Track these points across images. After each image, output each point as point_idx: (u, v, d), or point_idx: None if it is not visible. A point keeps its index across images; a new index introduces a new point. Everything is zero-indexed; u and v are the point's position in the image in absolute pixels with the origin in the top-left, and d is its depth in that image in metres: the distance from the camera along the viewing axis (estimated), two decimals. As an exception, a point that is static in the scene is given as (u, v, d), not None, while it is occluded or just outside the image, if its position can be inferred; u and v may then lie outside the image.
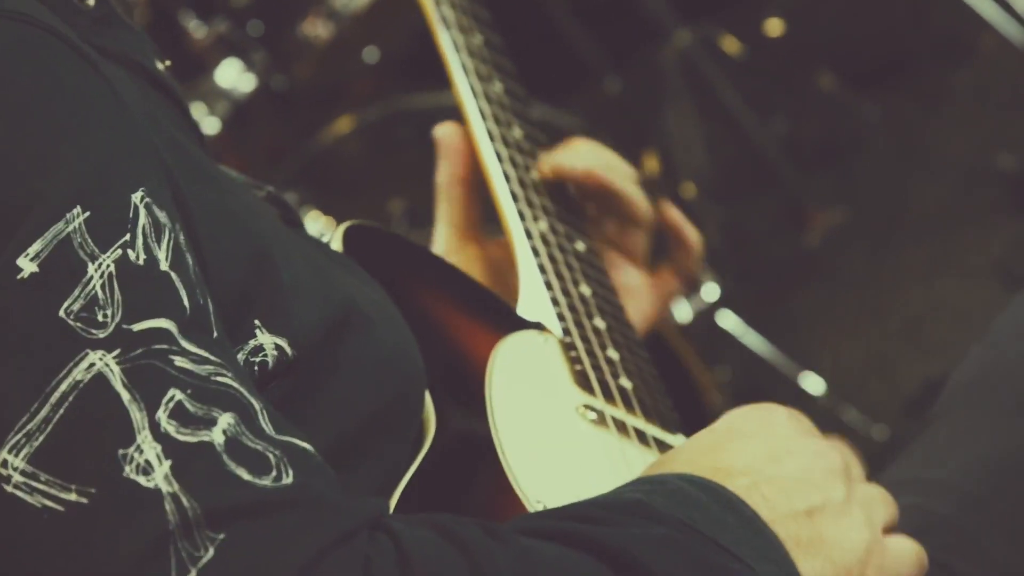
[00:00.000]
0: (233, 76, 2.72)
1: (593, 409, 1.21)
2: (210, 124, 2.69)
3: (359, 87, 3.04)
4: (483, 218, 1.43)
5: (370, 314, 1.10)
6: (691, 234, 1.43)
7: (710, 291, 2.83)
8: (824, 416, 2.87)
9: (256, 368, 1.01)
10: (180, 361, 0.90)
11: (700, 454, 1.06)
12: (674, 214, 1.43)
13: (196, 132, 1.12)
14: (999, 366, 1.36)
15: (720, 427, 1.09)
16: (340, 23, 2.75)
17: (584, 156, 1.40)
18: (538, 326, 1.27)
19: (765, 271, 3.35)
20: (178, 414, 0.88)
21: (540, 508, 1.09)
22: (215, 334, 0.93)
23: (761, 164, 3.32)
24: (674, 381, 2.52)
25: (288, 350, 1.02)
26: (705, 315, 2.84)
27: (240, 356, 1.00)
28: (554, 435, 1.18)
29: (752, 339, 2.90)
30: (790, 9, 3.68)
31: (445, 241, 1.42)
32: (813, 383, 2.88)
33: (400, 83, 3.06)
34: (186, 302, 0.92)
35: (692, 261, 1.43)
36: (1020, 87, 3.47)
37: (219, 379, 0.90)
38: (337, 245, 1.22)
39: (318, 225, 2.69)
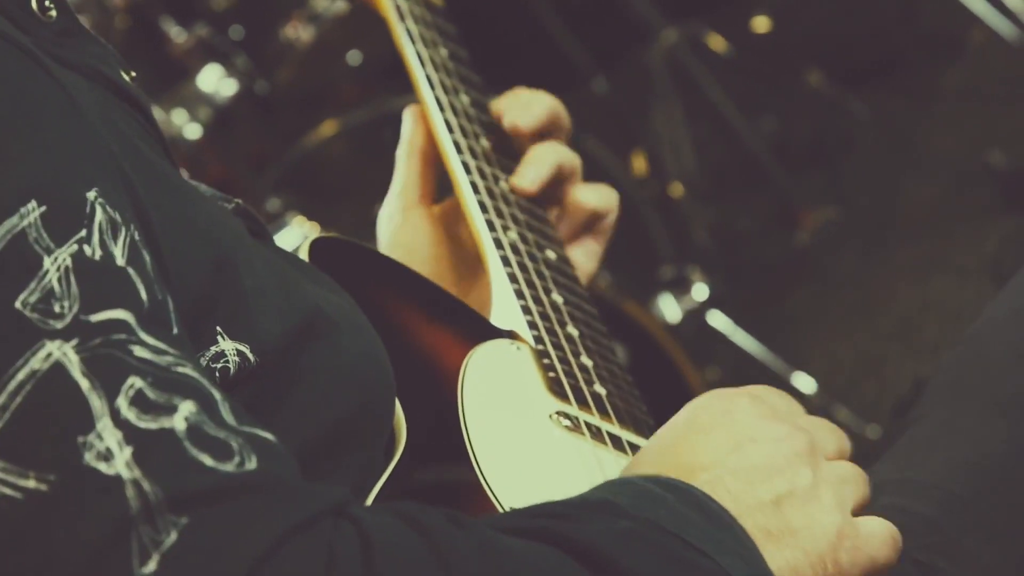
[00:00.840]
0: (215, 81, 2.71)
1: (567, 416, 1.20)
2: (192, 130, 2.68)
3: (343, 90, 3.03)
4: (435, 191, 1.45)
5: (336, 321, 1.09)
6: (589, 198, 1.43)
7: (700, 291, 2.83)
8: (815, 415, 2.86)
9: (218, 374, 1.00)
10: (139, 351, 0.89)
11: (662, 453, 1.05)
12: (574, 204, 1.43)
13: (161, 143, 1.12)
14: (980, 365, 1.35)
15: (680, 422, 1.07)
16: (322, 26, 2.74)
17: (534, 109, 1.43)
18: (510, 334, 1.27)
19: (755, 271, 3.34)
20: (138, 401, 0.88)
21: None
22: (175, 330, 0.93)
23: (750, 163, 3.32)
24: (663, 382, 2.52)
25: (250, 356, 1.02)
26: (695, 315, 2.83)
27: (202, 362, 1.00)
28: (528, 442, 1.17)
29: (742, 339, 2.89)
30: (777, 7, 3.68)
31: (391, 203, 1.43)
32: (804, 383, 2.87)
33: (384, 85, 3.05)
34: (144, 295, 0.92)
35: (601, 209, 1.43)
36: (1011, 84, 3.46)
37: (179, 369, 0.90)
38: (304, 257, 1.22)
39: (302, 230, 2.67)
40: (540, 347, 1.26)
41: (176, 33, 2.71)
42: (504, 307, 1.30)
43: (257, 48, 2.77)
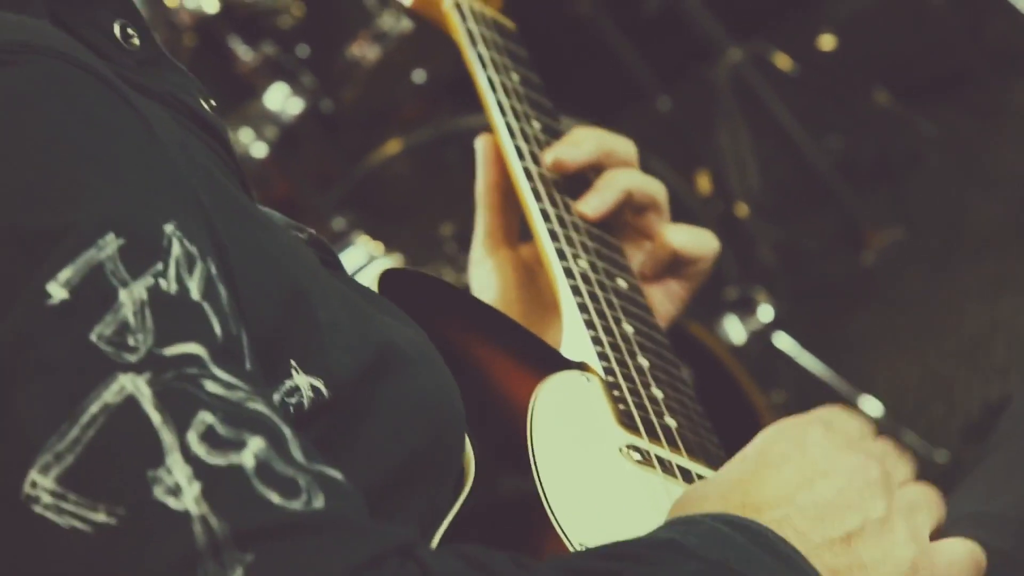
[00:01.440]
0: (281, 100, 2.71)
1: (637, 449, 1.19)
2: (258, 148, 2.69)
3: (407, 109, 3.03)
4: (518, 227, 1.43)
5: (410, 355, 1.09)
6: (698, 248, 1.40)
7: (765, 312, 2.81)
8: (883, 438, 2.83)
9: (292, 409, 1.00)
10: (211, 386, 0.89)
11: (731, 487, 1.04)
12: (673, 237, 1.40)
13: (238, 172, 1.12)
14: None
15: (750, 454, 1.06)
16: (387, 45, 2.74)
17: (583, 145, 1.40)
18: (581, 366, 1.26)
19: (821, 291, 3.32)
20: (208, 437, 0.88)
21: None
22: (248, 366, 0.93)
23: (815, 182, 3.30)
24: (728, 404, 2.51)
25: (324, 391, 1.02)
26: (760, 336, 2.81)
27: (276, 397, 0.99)
28: (597, 477, 1.16)
29: (808, 361, 2.87)
30: (843, 24, 3.65)
31: (480, 246, 1.43)
32: (871, 405, 2.85)
33: (448, 104, 3.05)
34: (218, 330, 0.92)
35: (693, 254, 1.40)
36: (1080, 101, 3.43)
37: (250, 405, 0.90)
38: (374, 289, 1.21)
39: (367, 249, 2.68)
40: (610, 378, 1.24)
41: (243, 52, 2.72)
42: (574, 337, 1.29)
43: (323, 67, 2.78)
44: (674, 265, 1.41)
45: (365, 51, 2.77)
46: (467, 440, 1.12)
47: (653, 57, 3.30)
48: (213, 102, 1.14)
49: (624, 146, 1.42)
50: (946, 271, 3.22)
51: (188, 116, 1.07)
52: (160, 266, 0.91)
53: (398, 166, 2.84)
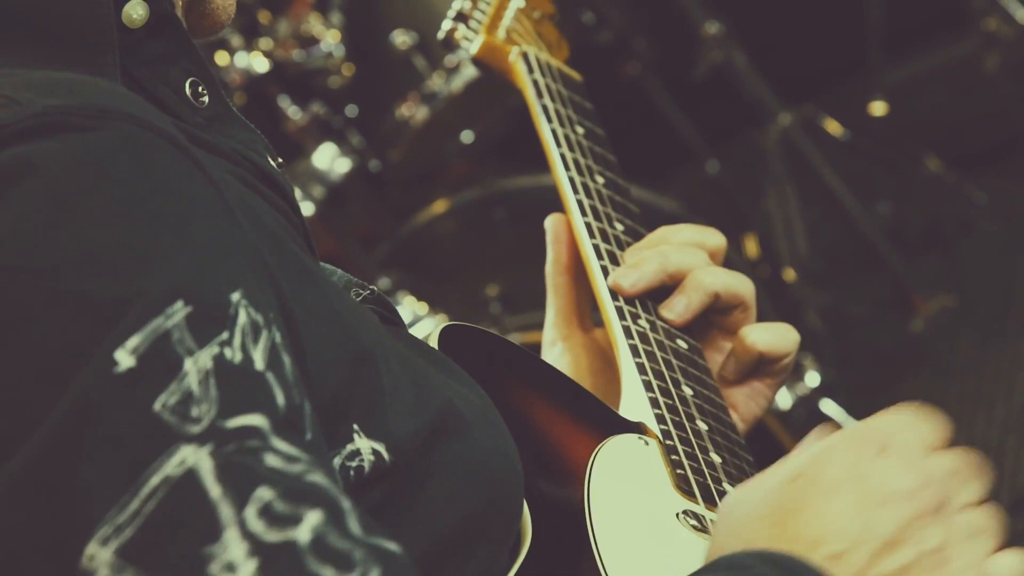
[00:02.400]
0: (329, 159, 2.73)
1: (694, 515, 1.18)
2: (305, 207, 2.70)
3: (454, 169, 3.04)
4: (590, 305, 1.42)
5: (468, 417, 1.08)
6: (781, 345, 1.36)
7: (812, 378, 2.79)
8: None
9: (352, 473, 1.00)
10: (271, 459, 0.89)
11: (781, 516, 1.01)
12: (752, 341, 1.36)
13: (303, 231, 1.13)
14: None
15: (804, 474, 1.02)
16: (436, 106, 2.75)
17: (644, 267, 1.35)
18: (639, 428, 1.25)
19: (869, 358, 3.29)
20: (266, 513, 0.87)
21: None
22: (309, 435, 0.93)
23: (865, 248, 3.28)
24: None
25: (386, 455, 1.02)
26: (807, 402, 2.79)
27: (337, 460, 1.00)
28: (654, 543, 1.15)
29: (855, 428, 2.84)
30: (894, 91, 3.64)
31: (552, 328, 1.42)
32: (918, 474, 2.81)
33: (495, 165, 3.06)
34: (280, 401, 0.91)
35: (776, 352, 1.36)
36: None
37: (309, 478, 0.89)
38: (435, 343, 1.21)
39: (412, 309, 2.67)
40: (668, 442, 1.23)
41: (292, 111, 2.73)
42: (633, 399, 1.28)
43: (371, 126, 2.79)
44: (759, 365, 1.36)
45: (414, 111, 2.78)
46: (524, 503, 1.11)
47: (703, 120, 3.30)
48: (280, 159, 1.14)
49: (713, 239, 1.38)
50: (996, 340, 3.19)
51: (255, 174, 1.08)
52: (226, 335, 0.91)
53: (444, 226, 2.85)
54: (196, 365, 0.90)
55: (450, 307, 2.64)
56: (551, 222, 1.41)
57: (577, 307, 1.41)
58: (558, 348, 1.41)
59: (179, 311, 0.90)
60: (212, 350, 0.90)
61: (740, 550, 1.02)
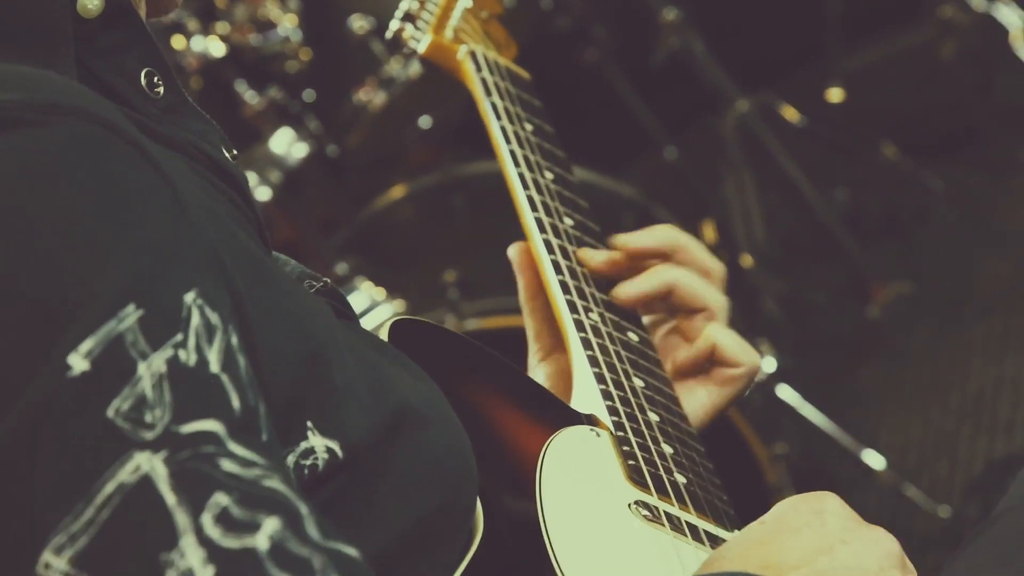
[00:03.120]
0: (286, 144, 2.72)
1: (646, 506, 1.19)
2: (262, 192, 2.69)
3: (413, 155, 3.03)
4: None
5: (425, 414, 1.08)
6: (727, 346, 1.37)
7: (768, 364, 2.80)
8: (885, 493, 2.82)
9: (307, 471, 0.99)
10: (227, 465, 0.88)
11: (752, 549, 1.05)
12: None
13: (257, 225, 1.12)
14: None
15: (770, 519, 1.07)
16: (394, 91, 2.75)
17: (650, 237, 1.40)
18: (590, 419, 1.25)
19: (825, 344, 3.31)
20: (223, 519, 0.87)
21: None
22: (264, 436, 0.92)
23: (822, 235, 3.29)
24: (730, 455, 2.49)
25: (340, 453, 1.01)
26: (763, 388, 2.80)
27: (291, 459, 0.99)
28: (606, 534, 1.15)
29: (811, 413, 2.86)
30: (851, 78, 3.65)
31: (532, 352, 1.43)
32: (874, 460, 2.83)
33: (454, 151, 3.05)
34: (236, 404, 0.91)
35: (725, 350, 1.37)
36: (1089, 159, 3.42)
37: (266, 483, 0.89)
38: (385, 335, 1.21)
39: (369, 295, 2.67)
40: (620, 433, 1.24)
41: (249, 96, 2.72)
42: (585, 391, 1.28)
43: (329, 111, 2.78)
44: (711, 363, 1.38)
45: (371, 96, 2.77)
46: (477, 499, 1.11)
47: (661, 107, 3.30)
48: (235, 151, 1.13)
49: (693, 247, 1.41)
50: (952, 327, 3.21)
51: (209, 167, 1.07)
52: (180, 337, 0.90)
53: (402, 211, 2.84)
54: (150, 369, 0.89)
55: (408, 293, 2.63)
56: (514, 252, 1.42)
57: (553, 331, 1.41)
58: (538, 369, 1.42)
59: (132, 314, 0.89)
60: (166, 353, 0.89)
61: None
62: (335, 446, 1.00)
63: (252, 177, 2.70)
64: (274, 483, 0.89)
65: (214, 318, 0.92)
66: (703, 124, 3.44)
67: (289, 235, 2.73)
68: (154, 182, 0.95)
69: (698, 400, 1.38)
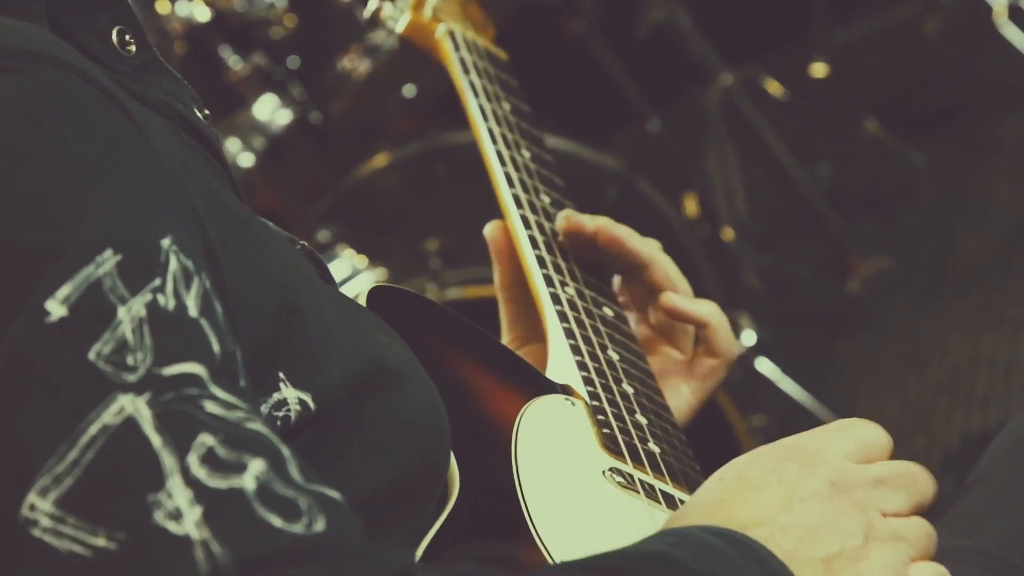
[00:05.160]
0: (270, 110, 2.72)
1: (620, 473, 1.20)
2: (245, 158, 2.69)
3: (396, 124, 3.03)
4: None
5: (402, 372, 1.09)
6: (701, 311, 1.39)
7: (748, 336, 2.80)
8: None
9: (279, 422, 1.00)
10: (211, 407, 0.89)
11: (713, 508, 1.04)
12: (672, 302, 1.40)
13: (230, 182, 1.12)
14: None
15: (729, 476, 1.06)
16: (378, 59, 2.74)
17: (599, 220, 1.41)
18: (565, 389, 1.26)
19: (805, 318, 3.32)
20: (209, 459, 0.87)
21: None
22: (242, 382, 0.93)
23: (804, 209, 3.30)
24: (708, 427, 2.50)
25: (312, 405, 1.01)
26: (742, 361, 2.81)
27: (264, 409, 0.99)
28: (581, 498, 1.16)
29: (790, 386, 2.87)
30: (836, 53, 3.66)
31: (507, 340, 1.44)
32: (851, 434, 2.84)
33: (438, 120, 3.05)
34: (216, 348, 0.91)
35: (716, 336, 1.39)
36: (1070, 137, 3.43)
37: (249, 425, 0.89)
38: (363, 302, 1.21)
39: (351, 262, 2.67)
40: (595, 403, 1.25)
41: (233, 61, 2.72)
42: (560, 362, 1.29)
43: (313, 78, 2.78)
44: (674, 327, 1.41)
45: (356, 64, 2.77)
46: (452, 458, 1.12)
47: (645, 79, 3.30)
48: (207, 111, 1.13)
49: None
50: (931, 303, 3.22)
51: (181, 125, 1.07)
52: (158, 281, 0.90)
53: (385, 180, 2.84)
54: (129, 313, 0.89)
55: (390, 261, 2.64)
56: (491, 233, 1.42)
57: (528, 317, 1.42)
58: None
59: (109, 259, 0.90)
60: (145, 297, 0.90)
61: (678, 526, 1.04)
62: (307, 398, 1.01)
63: (235, 143, 2.70)
64: (256, 426, 0.89)
65: (190, 264, 0.92)
66: (687, 97, 3.44)
67: (272, 201, 2.73)
68: (128, 130, 0.95)
69: (682, 397, 1.40)
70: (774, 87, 3.32)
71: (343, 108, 2.79)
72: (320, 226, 2.72)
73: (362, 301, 1.21)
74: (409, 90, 2.89)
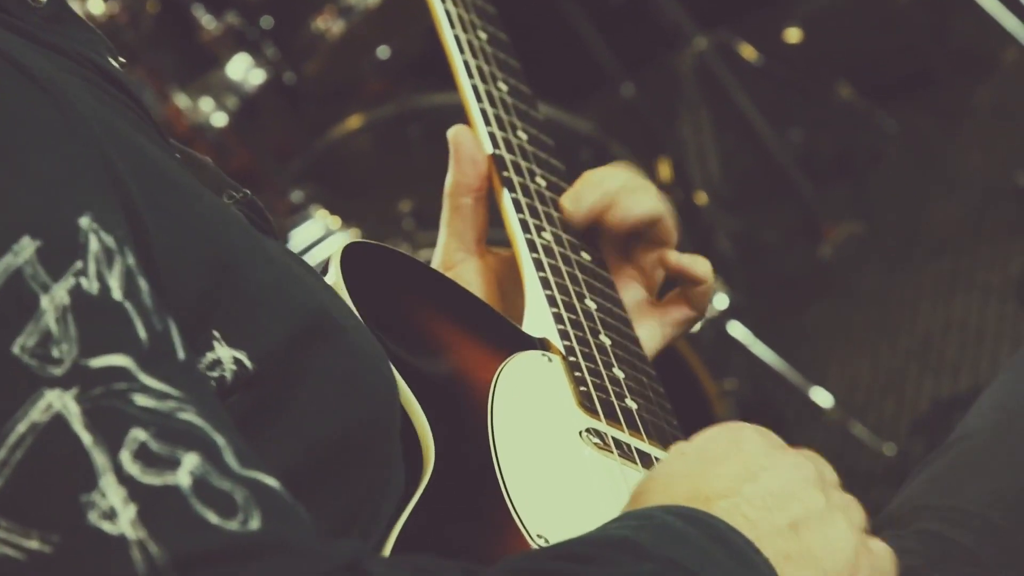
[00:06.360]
0: (243, 70, 2.70)
1: (596, 432, 1.18)
2: (218, 118, 2.68)
3: (370, 85, 3.02)
4: (487, 229, 1.38)
5: (341, 323, 1.06)
6: (701, 269, 1.37)
7: (720, 300, 2.81)
8: (831, 430, 2.85)
9: (214, 383, 0.97)
10: (141, 399, 0.86)
11: (676, 481, 1.03)
12: (678, 259, 1.36)
13: (156, 129, 1.08)
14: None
15: (690, 451, 1.05)
16: (352, 19, 2.73)
17: (587, 195, 1.34)
18: (543, 344, 1.24)
19: (777, 283, 3.32)
20: (142, 455, 0.85)
21: (541, 542, 1.07)
22: (181, 355, 0.90)
23: (776, 174, 3.30)
24: (680, 390, 2.51)
25: (248, 363, 0.98)
26: (714, 324, 2.82)
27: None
28: (557, 464, 1.15)
29: (761, 350, 2.88)
30: (809, 18, 3.66)
31: (446, 252, 1.37)
32: (822, 397, 2.86)
33: (411, 82, 3.04)
34: (143, 333, 0.88)
35: (705, 295, 1.37)
36: (1042, 104, 3.44)
37: (182, 415, 0.87)
38: (336, 263, 1.18)
39: (325, 223, 2.67)
40: (572, 358, 1.23)
41: (207, 21, 2.70)
42: (537, 314, 1.27)
43: (286, 39, 2.76)
44: (646, 266, 1.38)
45: (330, 24, 2.76)
46: (427, 428, 1.10)
47: (618, 43, 3.29)
48: (122, 59, 1.10)
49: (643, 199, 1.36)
50: (902, 268, 3.23)
51: (98, 74, 1.04)
52: (80, 264, 0.87)
53: (359, 141, 2.83)
54: (52, 302, 0.86)
55: (363, 222, 2.63)
56: (454, 135, 1.35)
57: (474, 232, 1.36)
58: (452, 274, 1.36)
59: (28, 246, 0.87)
60: (68, 283, 0.87)
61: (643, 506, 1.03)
62: (243, 356, 0.98)
63: (208, 102, 2.68)
64: (190, 415, 0.87)
65: (110, 241, 0.89)
66: (660, 61, 3.44)
67: (245, 162, 2.72)
68: (38, 102, 0.92)
69: (649, 337, 1.37)
70: (748, 52, 3.32)
71: (317, 69, 2.78)
72: (294, 186, 2.71)
73: (336, 257, 1.18)
74: (383, 51, 2.88)
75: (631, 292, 1.38)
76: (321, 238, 2.62)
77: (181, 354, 0.90)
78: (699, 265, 1.36)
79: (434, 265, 1.38)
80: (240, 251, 1.01)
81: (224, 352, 0.98)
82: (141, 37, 2.61)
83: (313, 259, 2.62)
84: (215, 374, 0.97)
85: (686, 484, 1.03)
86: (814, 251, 3.27)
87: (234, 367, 0.98)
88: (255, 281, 1.00)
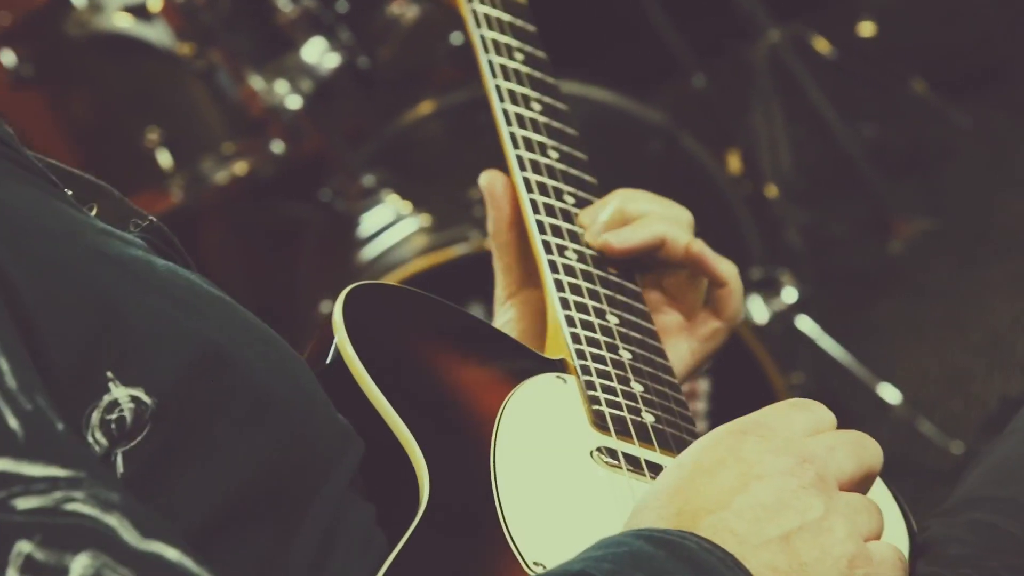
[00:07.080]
0: (318, 54, 2.71)
1: (608, 450, 1.17)
2: (293, 101, 2.69)
3: (443, 71, 3.03)
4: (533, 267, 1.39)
5: (239, 339, 1.03)
6: (724, 269, 1.36)
7: (789, 294, 2.80)
8: (899, 427, 2.83)
9: (114, 425, 0.94)
10: (24, 502, 0.84)
11: (667, 498, 1.02)
12: (702, 249, 1.36)
13: (29, 167, 1.03)
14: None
15: (687, 460, 1.04)
16: (426, 5, 2.74)
17: (629, 233, 1.35)
18: (560, 365, 1.24)
19: (846, 277, 3.31)
20: (29, 568, 0.83)
21: (539, 570, 1.05)
22: (59, 427, 0.87)
23: (847, 168, 3.29)
24: (748, 382, 2.50)
25: (146, 399, 0.96)
26: (782, 317, 2.81)
27: (95, 415, 0.94)
28: (562, 487, 1.13)
29: (829, 345, 2.87)
30: (883, 12, 3.64)
31: (499, 287, 1.40)
32: (890, 393, 2.84)
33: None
34: (13, 422, 0.86)
35: (730, 298, 1.36)
36: (1116, 102, 3.41)
37: (70, 507, 0.85)
38: (340, 306, 1.16)
39: (395, 208, 2.68)
40: (587, 377, 1.22)
41: (283, 4, 2.71)
42: (556, 335, 1.27)
43: (361, 23, 2.77)
44: (684, 287, 1.37)
45: (404, 10, 2.77)
46: (422, 461, 1.08)
47: (692, 33, 3.29)
48: None
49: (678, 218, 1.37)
50: (972, 265, 3.21)
51: None
52: None
53: (430, 127, 2.84)
54: None
55: (434, 208, 2.64)
56: (486, 180, 1.40)
57: (523, 264, 1.39)
58: (508, 305, 1.40)
59: None
60: None
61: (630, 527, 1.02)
62: (139, 393, 0.96)
63: (283, 85, 2.69)
64: (78, 504, 0.85)
65: None
66: (733, 52, 3.43)
67: (318, 145, 2.73)
68: None
69: (680, 357, 1.37)
70: (821, 45, 3.31)
71: (390, 54, 2.79)
72: (365, 171, 2.72)
73: (340, 300, 1.16)
74: (456, 38, 2.89)
75: (661, 313, 1.38)
76: (392, 223, 2.63)
77: (59, 425, 0.88)
78: (722, 264, 1.36)
79: (496, 299, 1.41)
80: (123, 290, 0.98)
81: (120, 392, 0.95)
82: (218, 19, 2.63)
83: (382, 244, 2.63)
84: (114, 416, 0.95)
85: (677, 500, 1.02)
86: (884, 246, 3.26)
87: (132, 405, 0.95)
88: (142, 315, 0.98)
